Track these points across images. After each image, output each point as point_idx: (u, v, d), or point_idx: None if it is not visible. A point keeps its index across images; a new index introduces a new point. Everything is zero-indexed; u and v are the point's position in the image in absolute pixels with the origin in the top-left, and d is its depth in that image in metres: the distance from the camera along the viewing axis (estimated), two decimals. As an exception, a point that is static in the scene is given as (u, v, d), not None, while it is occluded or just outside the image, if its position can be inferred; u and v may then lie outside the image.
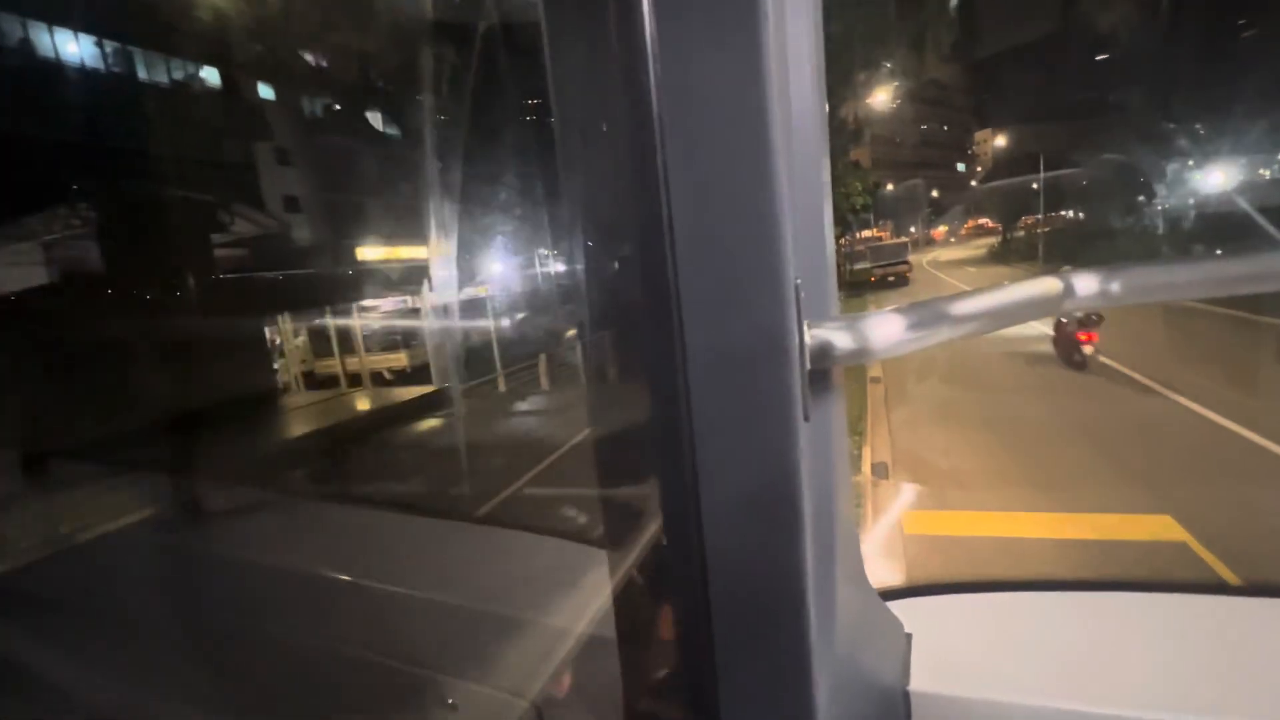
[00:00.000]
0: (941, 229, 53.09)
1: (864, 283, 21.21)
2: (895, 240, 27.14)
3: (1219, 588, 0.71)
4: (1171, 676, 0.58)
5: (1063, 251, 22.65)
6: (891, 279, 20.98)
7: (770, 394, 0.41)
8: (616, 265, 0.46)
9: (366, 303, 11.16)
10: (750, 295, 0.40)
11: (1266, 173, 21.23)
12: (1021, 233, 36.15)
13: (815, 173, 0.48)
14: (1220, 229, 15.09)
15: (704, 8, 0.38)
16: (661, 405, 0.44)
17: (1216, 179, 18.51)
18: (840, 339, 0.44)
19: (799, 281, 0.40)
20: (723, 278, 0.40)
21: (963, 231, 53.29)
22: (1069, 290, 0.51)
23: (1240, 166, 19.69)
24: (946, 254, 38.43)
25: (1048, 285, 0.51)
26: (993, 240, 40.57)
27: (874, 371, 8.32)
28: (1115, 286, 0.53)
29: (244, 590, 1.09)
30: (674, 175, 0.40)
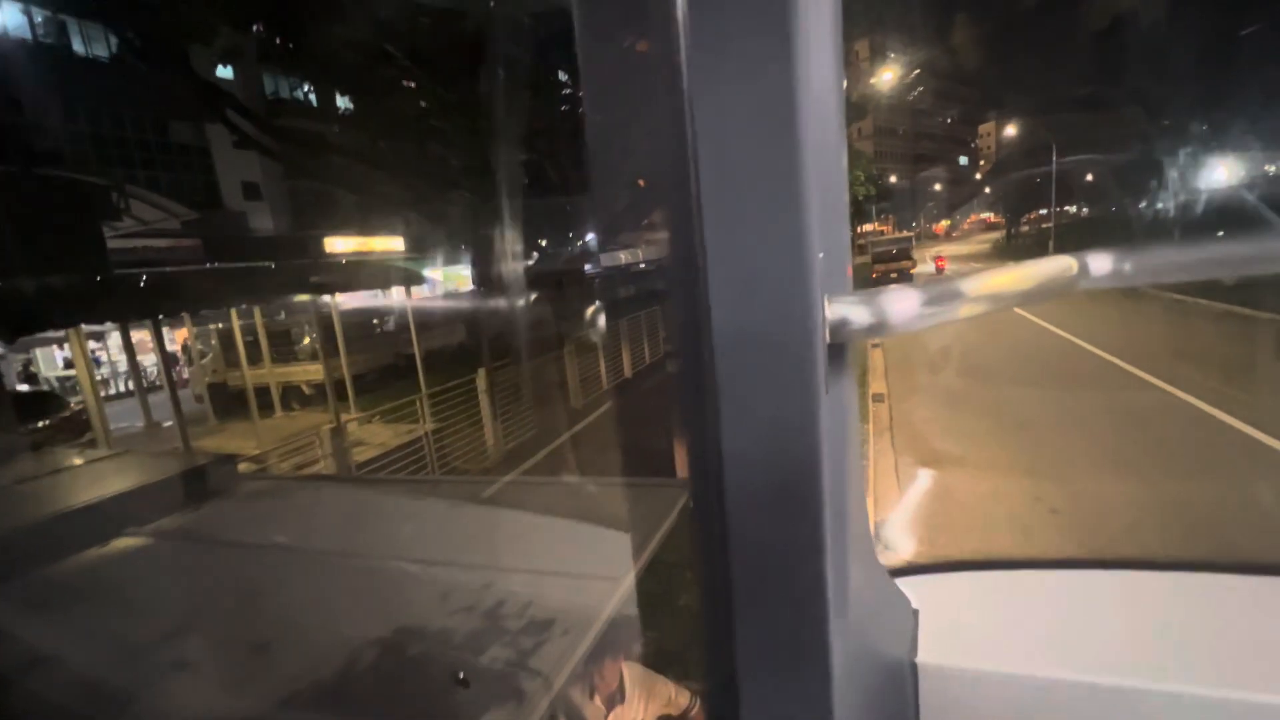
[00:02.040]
0: (944, 224, 53.82)
1: (866, 279, 21.10)
2: (898, 235, 26.92)
3: (1220, 565, 0.74)
4: (1173, 650, 0.62)
5: (1075, 247, 22.77)
6: (894, 276, 20.68)
7: (794, 367, 0.43)
8: (598, 275, 0.47)
9: (326, 299, 10.37)
10: (775, 269, 0.42)
11: (1271, 168, 21.77)
12: (1026, 228, 36.72)
13: (834, 151, 0.51)
14: (1229, 223, 15.49)
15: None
16: (687, 378, 0.46)
17: (1222, 174, 18.95)
18: (857, 314, 0.46)
19: (821, 255, 0.43)
20: (748, 251, 0.43)
21: (965, 226, 54.11)
22: (1084, 270, 0.54)
23: (1246, 161, 20.17)
24: (950, 249, 38.80)
25: (1063, 264, 0.54)
26: (996, 236, 41.21)
27: (877, 387, 8.06)
28: (1129, 266, 0.56)
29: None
30: (703, 149, 0.42)
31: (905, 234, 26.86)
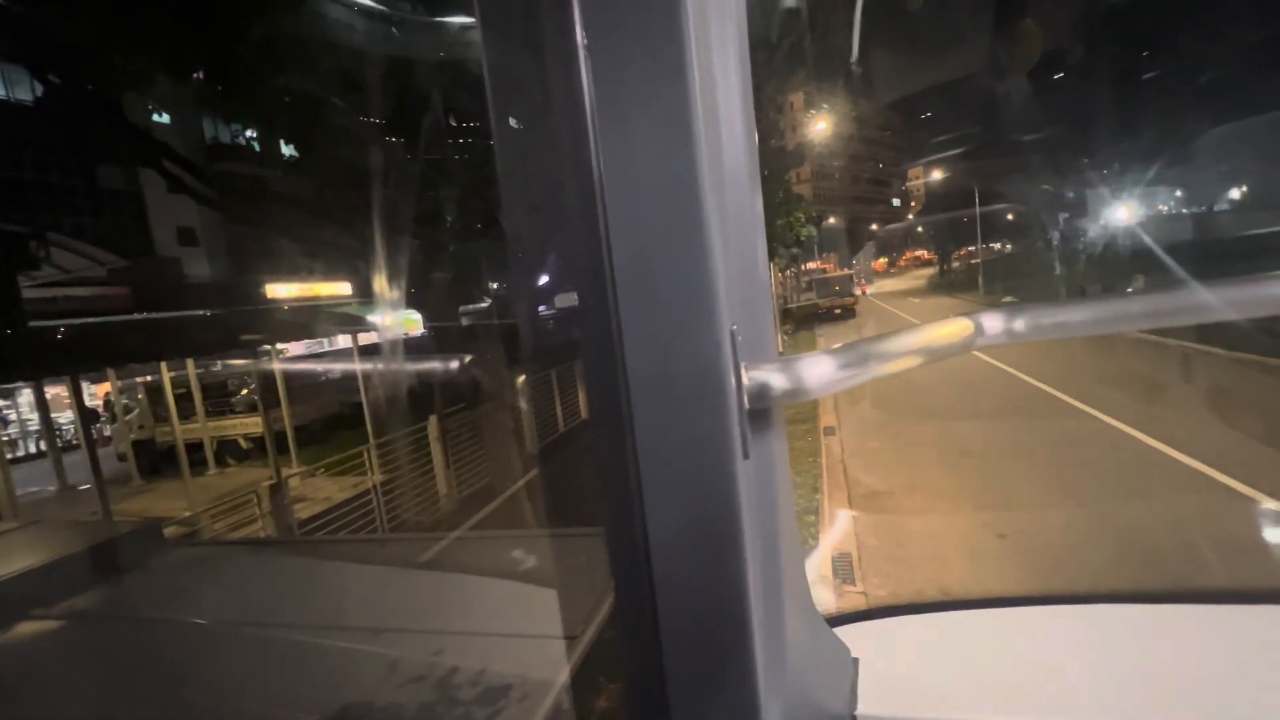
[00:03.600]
0: (882, 261, 56.97)
1: (813, 315, 21.96)
2: (841, 272, 28.06)
3: (1157, 596, 0.77)
4: (1114, 686, 0.64)
5: (1002, 282, 24.62)
6: (838, 311, 21.62)
7: (710, 434, 0.45)
8: (560, 313, 0.49)
9: (266, 349, 9.90)
10: (688, 341, 0.44)
11: (1164, 208, 24.23)
12: (957, 264, 39.29)
13: (750, 226, 0.54)
14: (1128, 257, 17.09)
15: (637, 74, 0.44)
16: (608, 447, 0.47)
17: (1122, 214, 20.91)
18: (777, 380, 0.49)
19: (734, 327, 0.45)
20: (662, 326, 0.45)
21: (901, 262, 57.42)
22: (979, 330, 0.58)
23: (1142, 201, 22.37)
24: (889, 285, 40.96)
25: (961, 326, 0.59)
26: (930, 271, 43.87)
27: (827, 420, 8.23)
28: (1019, 325, 0.61)
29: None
30: (615, 230, 0.44)
31: (846, 271, 28.05)
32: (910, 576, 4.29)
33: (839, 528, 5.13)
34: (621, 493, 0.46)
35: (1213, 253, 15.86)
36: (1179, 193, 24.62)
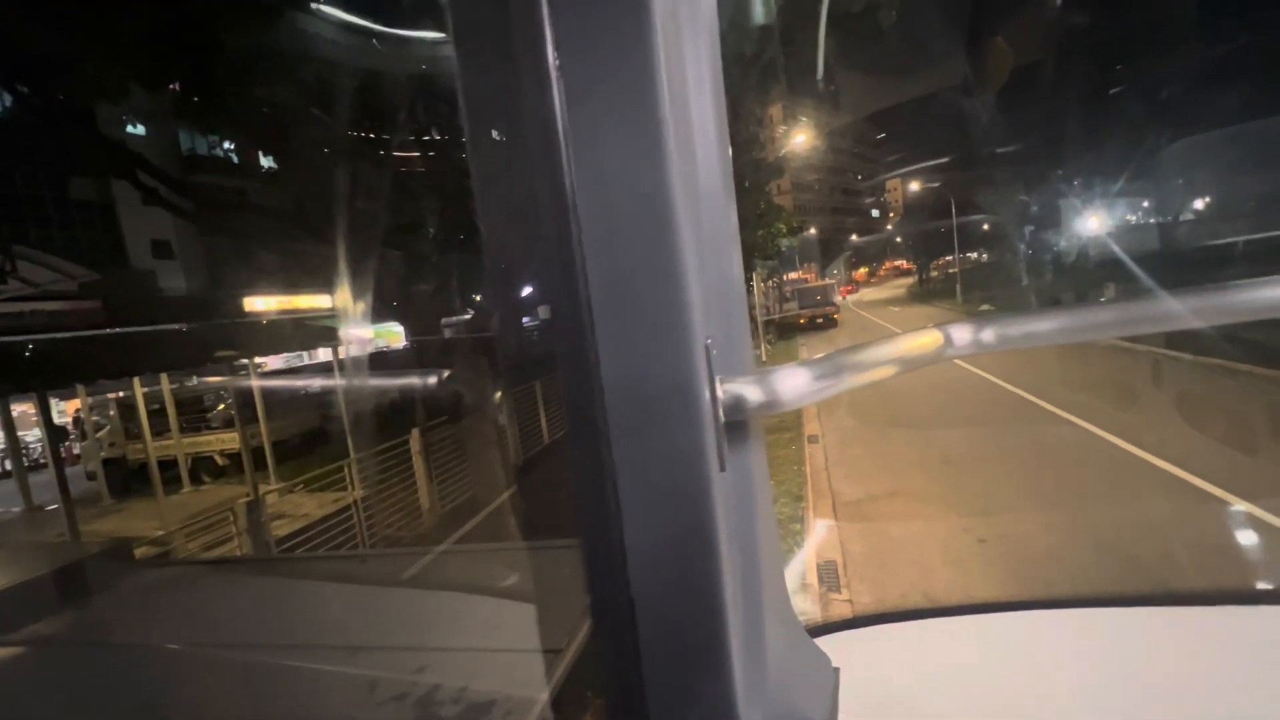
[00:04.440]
0: (862, 270, 57.96)
1: (795, 324, 22.16)
2: (822, 282, 28.32)
3: (1136, 600, 0.78)
4: (1097, 691, 0.64)
5: (980, 290, 25.17)
6: (820, 320, 21.79)
7: (685, 447, 0.45)
8: (545, 324, 0.49)
9: (243, 363, 9.68)
10: (662, 355, 0.45)
11: (1132, 218, 25.01)
12: (935, 273, 40.16)
13: (725, 241, 0.55)
14: (1098, 266, 17.63)
15: (609, 92, 0.44)
16: (584, 460, 0.47)
17: (1093, 224, 21.54)
18: (752, 392, 0.49)
19: (709, 341, 0.46)
20: (637, 340, 0.45)
21: (881, 272, 58.52)
22: (949, 341, 0.59)
23: (1112, 212, 23.09)
24: (870, 294, 41.66)
25: (931, 337, 0.60)
26: (910, 280, 44.79)
27: (811, 428, 8.30)
28: (989, 335, 0.62)
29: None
30: (589, 246, 0.45)
31: (827, 281, 28.31)
32: (894, 582, 4.32)
33: (824, 536, 5.14)
34: (598, 505, 0.46)
35: (1179, 261, 16.41)
36: (1146, 203, 25.43)
